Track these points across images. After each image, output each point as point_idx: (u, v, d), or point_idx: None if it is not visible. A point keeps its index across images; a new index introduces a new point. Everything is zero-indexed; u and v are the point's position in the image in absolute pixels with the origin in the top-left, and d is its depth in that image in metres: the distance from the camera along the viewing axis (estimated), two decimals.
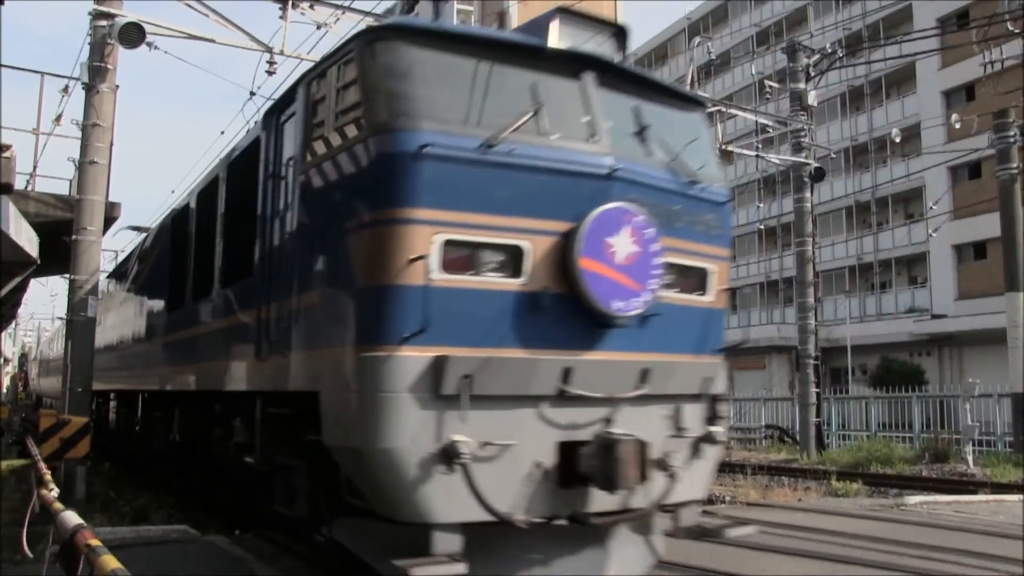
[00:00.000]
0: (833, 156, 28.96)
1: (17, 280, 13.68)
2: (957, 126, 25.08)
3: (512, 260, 5.16)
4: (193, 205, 9.61)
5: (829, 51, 21.61)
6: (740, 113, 20.44)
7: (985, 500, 11.40)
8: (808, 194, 20.48)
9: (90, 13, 10.87)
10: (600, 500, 5.22)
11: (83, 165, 10.87)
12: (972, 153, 26.88)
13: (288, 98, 6.53)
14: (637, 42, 70.48)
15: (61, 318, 30.78)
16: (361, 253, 5.17)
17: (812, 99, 20.45)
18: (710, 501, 11.97)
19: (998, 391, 18.81)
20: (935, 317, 34.59)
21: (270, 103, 7.22)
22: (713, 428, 5.94)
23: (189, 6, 11.76)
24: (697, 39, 46.34)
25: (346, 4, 13.12)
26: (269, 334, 6.36)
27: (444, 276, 4.93)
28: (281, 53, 12.40)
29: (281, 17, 12.47)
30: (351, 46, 5.67)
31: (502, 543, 5.12)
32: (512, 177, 5.19)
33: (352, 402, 5.02)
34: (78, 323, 10.96)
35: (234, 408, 7.50)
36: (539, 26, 5.87)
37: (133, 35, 10.58)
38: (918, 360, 34.09)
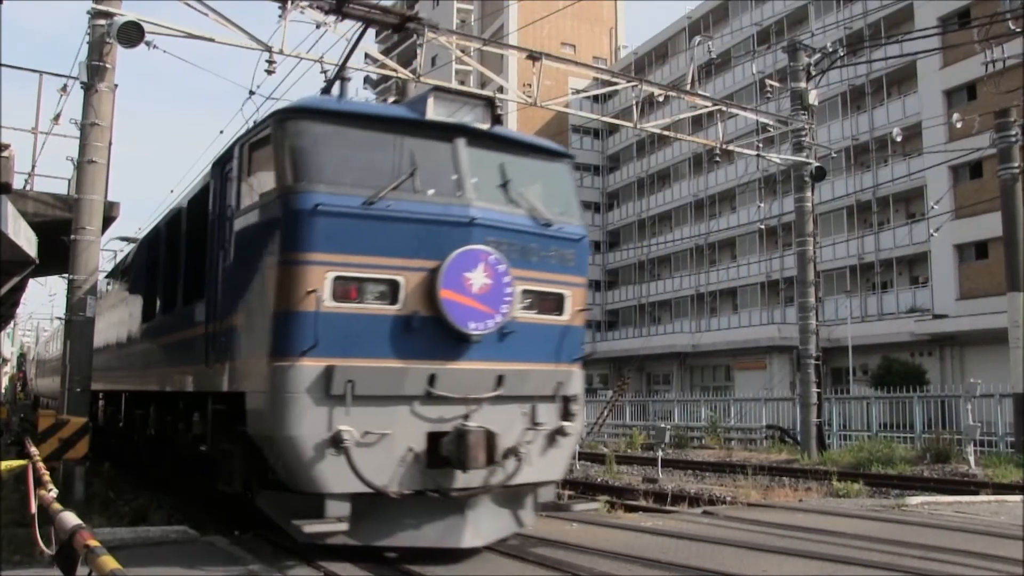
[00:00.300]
0: (834, 155, 28.92)
1: (16, 280, 13.66)
2: (958, 125, 25.05)
3: (390, 291, 6.75)
4: (163, 233, 11.31)
5: (830, 50, 21.57)
6: (741, 112, 20.38)
7: (986, 501, 11.38)
8: (809, 193, 20.45)
9: (89, 12, 10.84)
10: (461, 478, 6.76)
11: (82, 164, 10.84)
12: (973, 152, 26.86)
13: (228, 154, 8.07)
14: (637, 41, 70.65)
15: (60, 318, 30.87)
16: (272, 285, 6.77)
17: (813, 98, 20.42)
18: (711, 501, 11.95)
19: (1000, 391, 18.78)
20: (936, 317, 34.56)
21: (219, 154, 8.65)
22: (565, 423, 7.49)
23: (189, 5, 11.74)
24: (698, 38, 46.49)
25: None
26: (214, 346, 7.95)
27: (334, 304, 6.57)
28: (280, 52, 12.38)
29: (280, 16, 12.46)
30: (268, 122, 7.30)
31: (383, 510, 6.69)
32: (390, 227, 6.76)
33: (266, 400, 6.65)
34: (77, 323, 10.93)
35: (192, 406, 9.02)
36: (421, 100, 7.39)
37: (132, 34, 10.55)
38: (919, 360, 34.06)
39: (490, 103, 7.68)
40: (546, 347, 7.59)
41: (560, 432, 7.50)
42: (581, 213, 8.41)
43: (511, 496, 7.32)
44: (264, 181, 7.19)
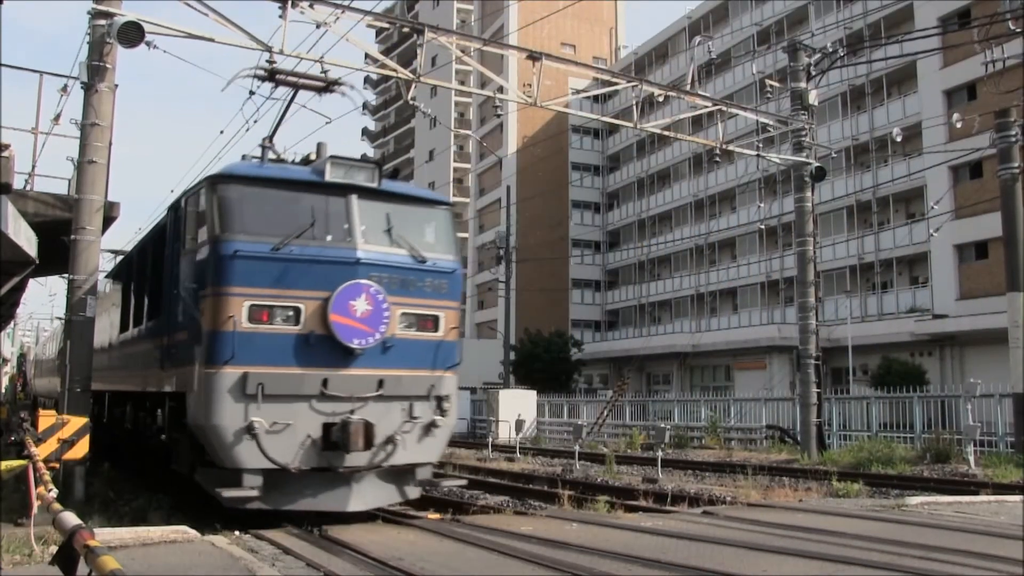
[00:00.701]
0: (834, 155, 28.93)
1: (16, 280, 13.66)
2: (958, 125, 25.05)
3: (294, 315, 8.88)
4: (135, 259, 13.41)
5: (830, 50, 21.57)
6: (741, 112, 20.39)
7: (986, 501, 11.37)
8: (809, 193, 20.45)
9: (89, 12, 10.84)
10: (348, 459, 8.83)
11: (82, 164, 10.85)
12: (973, 152, 26.86)
13: (177, 204, 10.28)
14: (637, 41, 70.62)
15: (60, 318, 30.86)
16: (203, 310, 8.93)
17: (813, 98, 20.42)
18: (711, 501, 11.95)
19: (999, 391, 18.77)
20: (936, 317, 34.56)
21: (178, 196, 10.59)
22: (438, 417, 9.66)
23: (189, 5, 11.74)
24: (698, 38, 46.44)
25: (346, 3, 13.10)
26: (167, 355, 10.12)
27: (249, 325, 8.69)
28: (281, 52, 12.37)
29: (280, 16, 12.46)
30: (203, 184, 9.44)
31: (288, 482, 8.79)
32: (293, 266, 8.88)
33: (199, 398, 8.78)
34: (77, 323, 10.94)
35: (155, 403, 11.21)
36: (322, 165, 9.48)
37: (132, 34, 10.55)
38: (919, 360, 34.05)
39: (378, 165, 9.86)
40: (422, 357, 9.73)
41: (433, 424, 9.66)
42: (457, 249, 10.57)
43: (393, 474, 9.50)
44: (200, 229, 9.36)
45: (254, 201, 9.22)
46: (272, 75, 11.76)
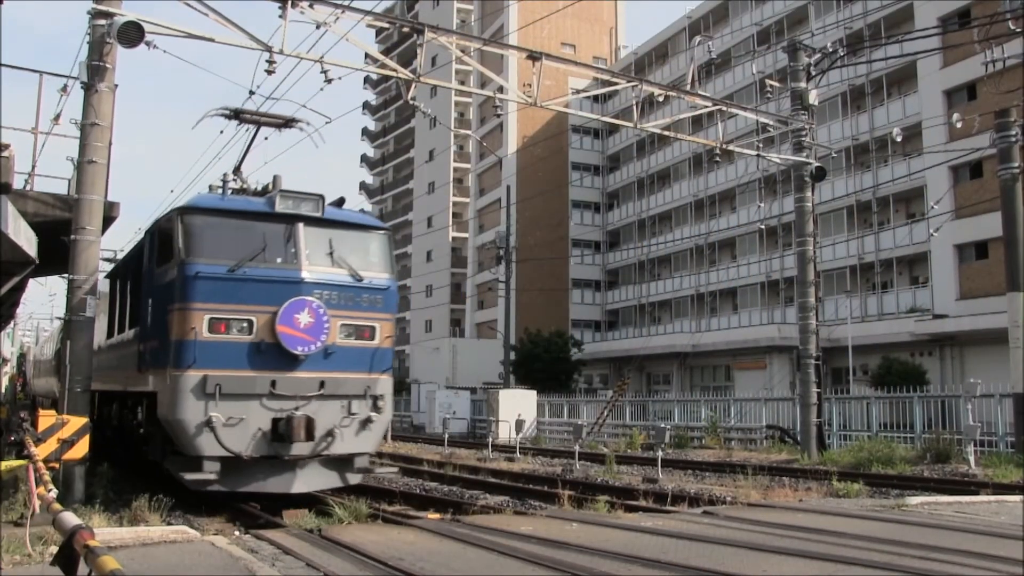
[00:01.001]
0: (834, 155, 28.91)
1: (16, 280, 13.65)
2: (958, 125, 25.06)
3: (247, 326, 10.42)
4: (120, 271, 14.98)
5: (830, 50, 21.58)
6: (741, 112, 20.39)
7: (986, 501, 11.37)
8: (809, 193, 20.45)
9: (89, 12, 10.84)
10: (293, 448, 10.45)
11: (82, 164, 10.84)
12: (973, 152, 26.87)
13: (152, 230, 12.02)
14: (637, 41, 70.56)
15: (60, 318, 30.94)
16: (171, 322, 10.47)
17: (813, 98, 20.41)
18: (711, 501, 11.95)
19: (1000, 391, 18.76)
20: (936, 317, 34.56)
21: (152, 222, 12.61)
22: (373, 414, 11.20)
23: (189, 5, 11.73)
24: (698, 38, 46.44)
25: (346, 3, 13.10)
26: (143, 359, 11.66)
27: (209, 335, 10.26)
28: (280, 52, 12.37)
29: (281, 16, 12.45)
30: (171, 214, 11.09)
31: (242, 468, 10.39)
32: (247, 285, 10.41)
33: (167, 396, 10.35)
34: (77, 323, 10.93)
35: (135, 401, 12.69)
36: (273, 197, 11.15)
37: (132, 34, 10.54)
38: (919, 360, 34.05)
39: (321, 197, 11.35)
40: (360, 362, 11.20)
41: (369, 420, 11.22)
42: (392, 269, 12.14)
43: (334, 461, 11.06)
44: (169, 253, 10.88)
45: (214, 229, 10.89)
46: (237, 114, 12.96)
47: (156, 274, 11.33)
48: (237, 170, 13.21)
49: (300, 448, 10.57)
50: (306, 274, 10.78)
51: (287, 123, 13.13)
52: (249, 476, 10.52)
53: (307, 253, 10.92)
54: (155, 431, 11.28)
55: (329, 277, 11.03)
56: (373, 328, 11.43)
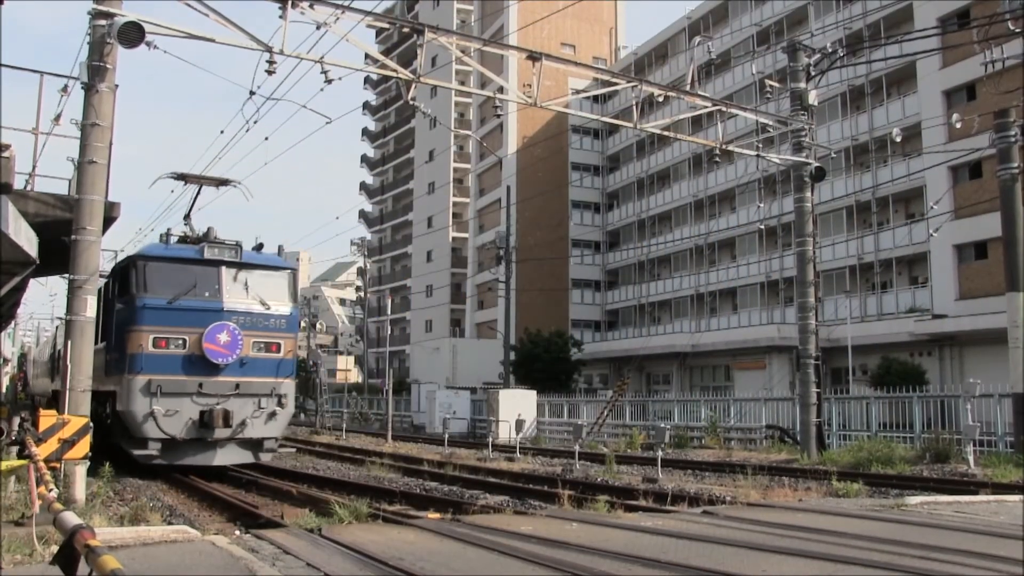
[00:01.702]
0: (834, 156, 28.92)
1: (16, 280, 13.67)
2: (958, 125, 25.08)
3: (182, 343, 14.44)
4: (99, 294, 17.86)
5: (830, 50, 21.58)
6: (740, 113, 20.41)
7: (986, 500, 11.38)
8: (809, 194, 20.46)
9: (89, 12, 10.84)
10: (215, 433, 14.44)
11: (82, 165, 10.84)
12: (973, 153, 26.88)
13: (115, 268, 16.11)
14: (637, 41, 70.54)
15: (60, 318, 31.46)
16: (127, 340, 14.49)
17: (812, 98, 20.42)
18: (710, 501, 11.96)
19: (999, 391, 18.78)
20: (936, 317, 34.56)
21: (116, 263, 17.34)
22: (278, 408, 15.05)
23: (189, 5, 11.74)
24: (697, 38, 46.47)
25: (346, 3, 13.11)
26: (109, 365, 15.38)
27: (153, 349, 14.33)
28: (281, 52, 12.38)
29: (281, 16, 12.46)
30: (127, 260, 15.31)
31: (177, 447, 14.44)
32: (182, 313, 14.47)
33: (123, 394, 14.36)
34: (78, 323, 10.93)
35: (104, 398, 15.66)
36: (202, 247, 15.12)
37: (132, 34, 10.55)
38: (919, 360, 34.06)
39: (239, 246, 15.47)
40: (268, 369, 15.25)
41: (275, 413, 15.21)
42: (294, 298, 16.33)
43: (248, 443, 15.16)
44: (126, 289, 14.81)
45: (158, 272, 14.77)
46: (183, 176, 16.98)
47: (117, 304, 15.40)
48: (187, 217, 17.17)
49: (220, 433, 14.66)
50: (225, 304, 14.91)
51: (223, 182, 17.01)
52: (182, 453, 14.64)
53: (227, 288, 15.05)
54: (116, 421, 15.02)
55: (243, 306, 15.13)
56: (279, 344, 15.52)
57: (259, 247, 16.46)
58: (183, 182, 17.00)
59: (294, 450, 22.57)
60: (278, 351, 15.40)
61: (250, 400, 14.88)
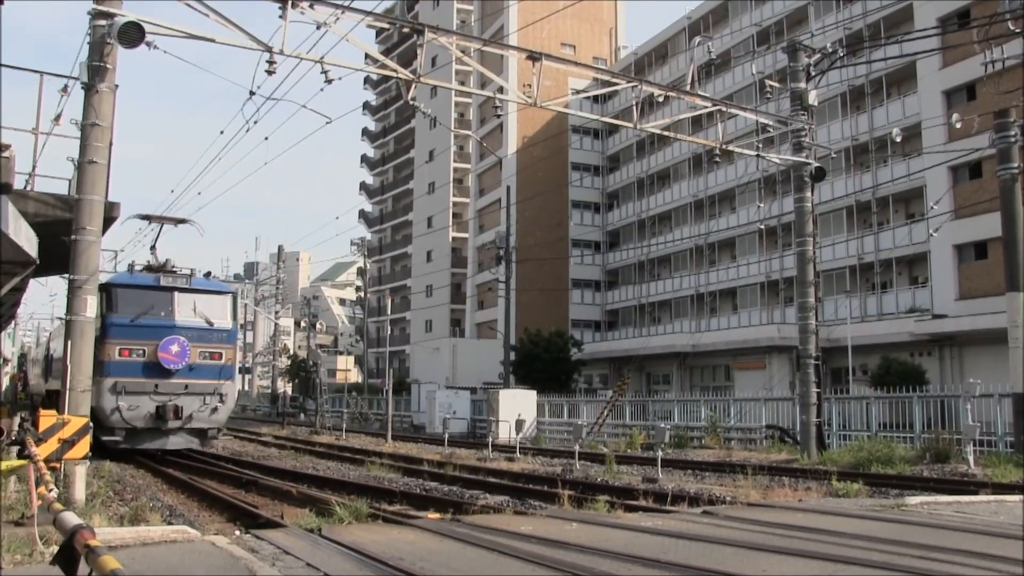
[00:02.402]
0: (834, 156, 28.92)
1: (16, 280, 13.67)
2: (958, 126, 25.09)
3: (142, 352, 18.42)
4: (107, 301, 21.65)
5: (830, 50, 21.58)
6: (740, 113, 20.41)
7: (986, 500, 11.39)
8: (809, 194, 20.46)
9: (89, 12, 10.84)
10: (168, 424, 18.43)
11: (82, 165, 10.84)
12: (973, 153, 26.86)
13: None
14: (637, 41, 70.53)
15: (60, 318, 32.30)
16: (99, 349, 15.36)
17: (812, 98, 20.43)
18: (710, 501, 11.96)
19: (999, 391, 18.77)
20: (936, 317, 34.55)
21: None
22: (220, 404, 19.09)
23: (189, 5, 11.74)
24: (697, 38, 46.45)
25: (346, 4, 13.11)
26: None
27: (119, 358, 18.21)
28: (281, 52, 12.38)
29: (281, 16, 12.46)
30: (100, 286, 14.46)
31: (138, 434, 18.55)
32: (143, 328, 18.34)
33: (96, 392, 15.54)
34: (78, 323, 10.93)
35: None
36: (158, 275, 19.16)
37: (132, 34, 10.55)
38: (919, 360, 34.05)
39: (190, 274, 19.45)
40: (211, 373, 18.92)
41: (217, 408, 18.91)
42: (234, 316, 20.31)
43: (194, 432, 18.84)
44: (98, 310, 14.89)
45: (123, 296, 18.37)
46: (146, 216, 20.95)
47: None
48: (152, 249, 20.79)
49: (172, 423, 18.46)
50: (177, 322, 18.69)
51: (182, 221, 20.81)
52: (142, 439, 18.40)
53: (178, 309, 18.81)
54: (90, 413, 18.83)
55: (192, 323, 18.84)
56: (220, 353, 19.37)
57: (207, 274, 20.86)
58: (147, 222, 21.30)
59: (231, 437, 27.60)
60: (220, 359, 19.33)
61: (197, 398, 18.79)
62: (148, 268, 19.74)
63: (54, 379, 25.83)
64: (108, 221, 11.61)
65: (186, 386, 18.57)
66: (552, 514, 10.24)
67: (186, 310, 18.84)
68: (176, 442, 18.78)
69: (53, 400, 27.40)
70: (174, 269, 19.70)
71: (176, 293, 18.82)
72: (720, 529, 8.61)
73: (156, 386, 18.22)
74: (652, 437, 22.22)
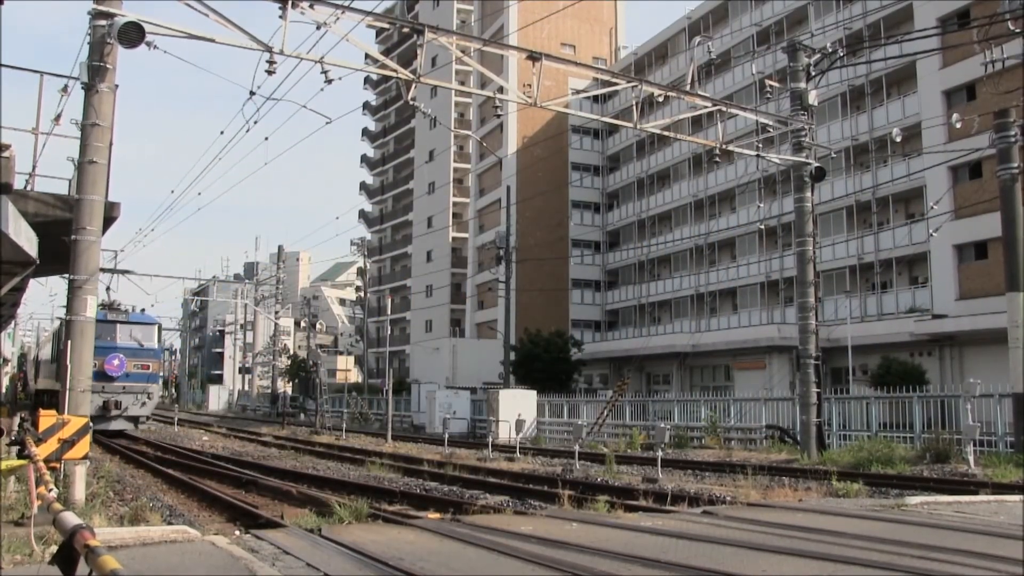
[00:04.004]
0: (834, 156, 28.94)
1: (16, 280, 13.67)
2: (958, 126, 25.09)
3: (95, 364, 16.01)
4: (57, 333, 28.97)
5: (830, 50, 21.59)
6: (740, 113, 20.41)
7: (986, 500, 11.38)
8: (809, 194, 20.47)
9: (89, 12, 10.84)
10: (111, 413, 27.58)
11: (82, 165, 10.84)
12: (973, 153, 26.87)
13: (61, 323, 21.16)
14: (637, 41, 70.55)
15: (60, 318, 35.15)
16: (63, 362, 14.79)
17: (812, 98, 20.43)
18: (710, 501, 11.96)
19: (999, 391, 18.77)
20: (936, 317, 34.56)
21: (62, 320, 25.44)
22: (147, 400, 28.83)
23: (189, 5, 11.74)
24: (697, 38, 46.50)
25: (346, 4, 13.11)
26: (58, 375, 17.82)
27: None
28: (281, 52, 12.38)
29: (281, 16, 12.46)
30: (64, 320, 18.09)
31: (92, 419, 12.78)
32: (95, 349, 12.86)
33: (62, 391, 13.49)
34: (78, 323, 10.93)
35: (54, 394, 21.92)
36: (106, 313, 28.43)
37: (132, 35, 10.55)
38: (919, 360, 34.05)
39: (130, 310, 30.25)
40: (142, 379, 28.33)
41: (145, 403, 28.51)
42: (159, 340, 30.49)
43: (129, 419, 28.44)
44: (63, 335, 18.15)
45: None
46: (111, 271, 30.89)
47: (61, 340, 25.56)
48: (108, 289, 29.92)
49: (114, 413, 26.98)
50: (118, 344, 26.98)
51: (124, 272, 31.22)
52: (94, 423, 19.93)
53: (119, 335, 27.34)
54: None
55: (128, 344, 27.26)
56: (148, 365, 28.49)
57: (142, 310, 31.34)
58: (113, 274, 31.84)
59: (231, 437, 31.95)
60: (148, 369, 28.58)
61: (131, 395, 27.75)
62: (102, 305, 26.77)
63: (44, 379, 33.38)
64: (108, 221, 11.60)
65: (124, 388, 27.49)
66: (552, 514, 10.24)
67: (124, 336, 27.96)
68: (117, 424, 27.51)
69: (40, 399, 31.57)
70: (118, 307, 29.31)
71: (118, 324, 27.98)
72: (720, 529, 8.61)
73: (103, 387, 26.39)
74: (652, 437, 22.22)
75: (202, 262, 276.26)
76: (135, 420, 28.78)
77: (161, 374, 32.04)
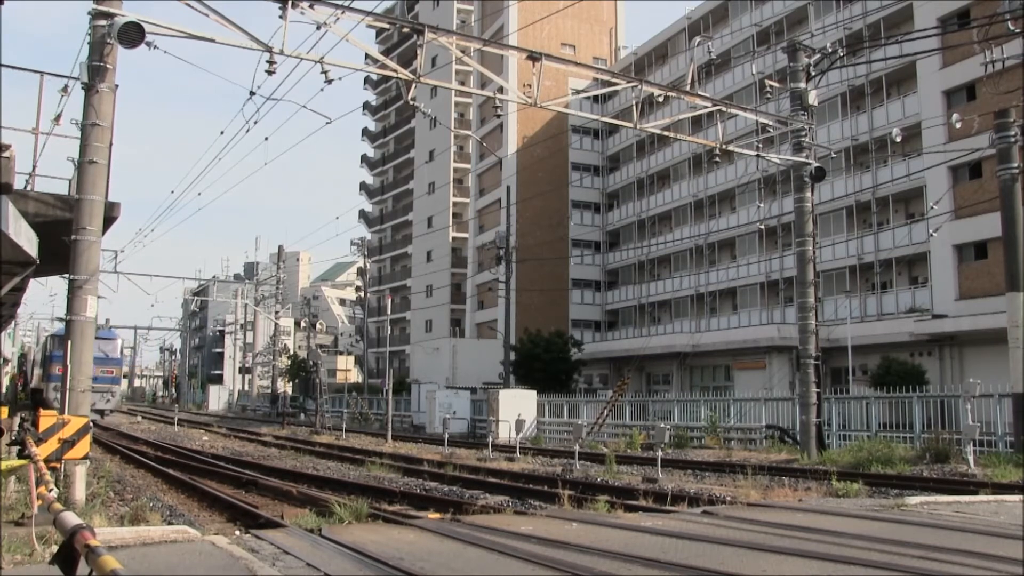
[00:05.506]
0: (833, 156, 28.93)
1: (16, 280, 13.67)
2: (958, 126, 25.09)
3: None
4: (45, 345, 40.62)
5: (830, 50, 21.59)
6: (740, 113, 20.42)
7: (986, 500, 11.38)
8: (808, 194, 20.47)
9: (89, 13, 10.84)
10: (96, 406, 32.79)
11: (82, 165, 10.84)
12: (973, 153, 26.87)
13: (48, 338, 42.62)
14: (637, 41, 70.60)
15: (60, 318, 39.86)
16: (47, 368, 34.04)
17: (812, 98, 20.44)
18: (710, 501, 11.96)
19: (999, 391, 18.78)
20: (936, 317, 34.56)
21: (48, 335, 44.09)
22: (111, 396, 39.22)
23: (189, 5, 11.75)
24: (697, 38, 46.52)
25: (346, 4, 13.12)
26: (43, 378, 39.23)
27: (57, 372, 16.12)
28: (281, 53, 12.38)
29: (281, 16, 12.47)
30: (49, 336, 41.35)
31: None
32: None
33: (45, 390, 28.22)
34: (78, 323, 10.93)
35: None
36: (103, 334, 37.09)
37: (132, 35, 10.55)
38: (919, 360, 34.06)
39: (110, 328, 48.55)
40: (107, 380, 37.09)
41: (109, 400, 38.61)
42: (122, 352, 44.07)
43: (96, 411, 30.77)
44: (47, 348, 36.69)
45: (59, 341, 21.37)
46: (113, 272, 38.98)
47: (45, 352, 33.68)
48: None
49: (100, 405, 34.49)
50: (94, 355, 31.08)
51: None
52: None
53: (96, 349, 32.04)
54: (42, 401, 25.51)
55: (96, 354, 28.78)
56: (112, 370, 38.39)
57: (108, 325, 41.23)
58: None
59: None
60: (112, 373, 37.35)
61: (99, 393, 32.27)
62: None
63: (38, 380, 40.04)
64: (108, 221, 11.60)
65: (92, 388, 31.08)
66: (552, 514, 10.24)
67: (94, 347, 31.82)
68: (103, 412, 35.78)
69: (34, 398, 34.64)
70: None
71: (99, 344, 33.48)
72: (720, 529, 8.61)
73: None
74: (652, 437, 22.23)
75: (202, 262, 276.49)
76: (101, 412, 36.41)
77: (123, 377, 41.39)
